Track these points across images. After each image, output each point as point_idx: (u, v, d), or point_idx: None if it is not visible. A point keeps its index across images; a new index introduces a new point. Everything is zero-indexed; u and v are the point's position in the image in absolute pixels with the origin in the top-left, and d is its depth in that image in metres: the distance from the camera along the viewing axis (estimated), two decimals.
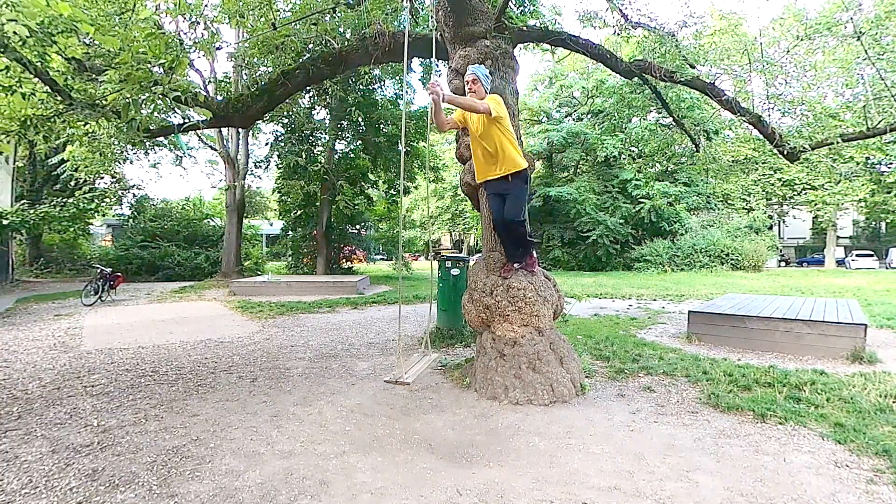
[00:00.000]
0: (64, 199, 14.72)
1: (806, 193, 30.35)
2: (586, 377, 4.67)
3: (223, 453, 3.16)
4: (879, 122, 5.62)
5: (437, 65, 16.21)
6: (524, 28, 5.67)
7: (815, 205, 29.80)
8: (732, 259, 23.41)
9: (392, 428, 3.63)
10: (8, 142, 4.75)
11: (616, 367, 5.15)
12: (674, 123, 8.18)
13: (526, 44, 6.55)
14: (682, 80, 5.98)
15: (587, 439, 3.35)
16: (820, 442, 3.24)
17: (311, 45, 6.31)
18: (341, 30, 6.68)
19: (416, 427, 3.64)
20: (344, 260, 21.86)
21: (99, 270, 11.92)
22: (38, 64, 3.93)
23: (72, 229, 16.42)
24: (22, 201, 15.30)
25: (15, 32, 3.02)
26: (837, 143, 5.68)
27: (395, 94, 18.66)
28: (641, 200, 25.03)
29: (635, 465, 2.95)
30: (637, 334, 7.25)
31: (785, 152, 5.87)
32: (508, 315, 4.36)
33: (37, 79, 4.03)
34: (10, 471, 2.88)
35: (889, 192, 27.86)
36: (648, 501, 2.55)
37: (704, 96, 6.44)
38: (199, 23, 4.99)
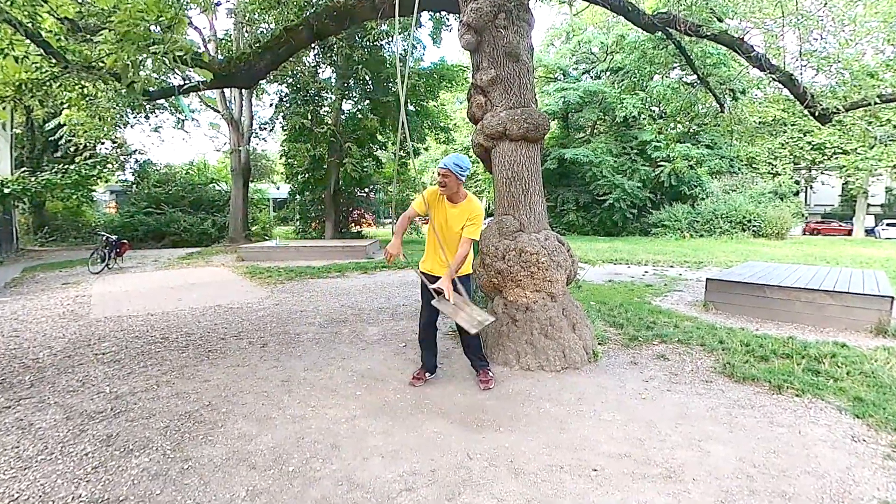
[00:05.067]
0: (65, 166, 14.74)
1: (837, 158, 29.45)
2: (599, 344, 4.72)
3: (235, 418, 3.27)
4: None
5: (447, 19, 15.70)
6: None
7: (846, 170, 28.88)
8: (754, 226, 23.07)
9: (402, 393, 3.72)
10: (3, 108, 4.74)
11: (630, 335, 5.19)
12: (698, 82, 7.92)
13: None
14: (709, 34, 5.75)
15: (598, 406, 3.42)
16: (837, 415, 3.25)
17: (314, 0, 6.15)
18: None
19: (426, 392, 3.73)
20: (353, 224, 21.96)
21: (104, 238, 12.05)
22: (29, 25, 3.87)
23: (75, 196, 16.51)
24: (22, 169, 15.37)
25: None
26: (875, 104, 5.47)
27: (405, 50, 18.24)
28: (661, 163, 24.53)
29: (646, 433, 3.01)
30: (652, 301, 7.25)
31: (816, 113, 5.68)
32: (521, 280, 4.38)
33: (29, 41, 3.96)
34: (26, 438, 2.99)
35: None
36: (659, 469, 2.61)
37: (732, 52, 6.20)
38: None
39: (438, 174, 3.66)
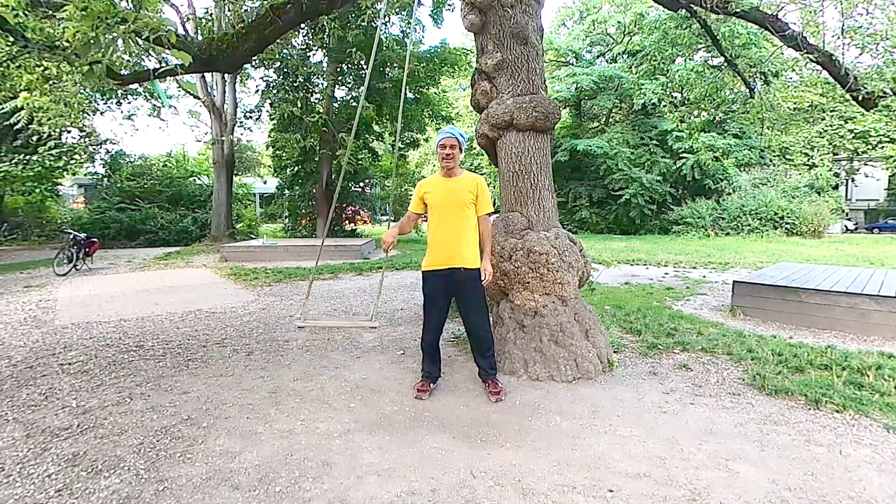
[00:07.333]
0: (26, 157, 14.62)
1: (883, 147, 29.25)
2: (615, 352, 4.72)
3: (217, 433, 3.28)
4: None
5: None
6: None
7: (894, 161, 28.77)
8: (788, 223, 22.98)
9: (400, 405, 3.73)
10: None
11: (648, 342, 5.18)
12: (725, 64, 7.92)
13: None
14: (738, 11, 5.74)
15: (614, 420, 3.41)
16: (884, 434, 3.21)
17: None
18: None
19: (426, 404, 3.73)
20: (347, 221, 21.99)
21: (72, 236, 12.07)
22: None
23: (38, 190, 16.36)
24: None
25: None
26: None
27: (402, 31, 18.24)
28: (683, 155, 24.48)
29: (668, 451, 3.00)
30: (673, 306, 7.25)
31: (860, 98, 5.64)
32: (529, 282, 4.38)
33: None
34: None
35: None
36: (682, 491, 2.60)
37: (764, 31, 6.18)
38: None
39: (444, 147, 3.74)
